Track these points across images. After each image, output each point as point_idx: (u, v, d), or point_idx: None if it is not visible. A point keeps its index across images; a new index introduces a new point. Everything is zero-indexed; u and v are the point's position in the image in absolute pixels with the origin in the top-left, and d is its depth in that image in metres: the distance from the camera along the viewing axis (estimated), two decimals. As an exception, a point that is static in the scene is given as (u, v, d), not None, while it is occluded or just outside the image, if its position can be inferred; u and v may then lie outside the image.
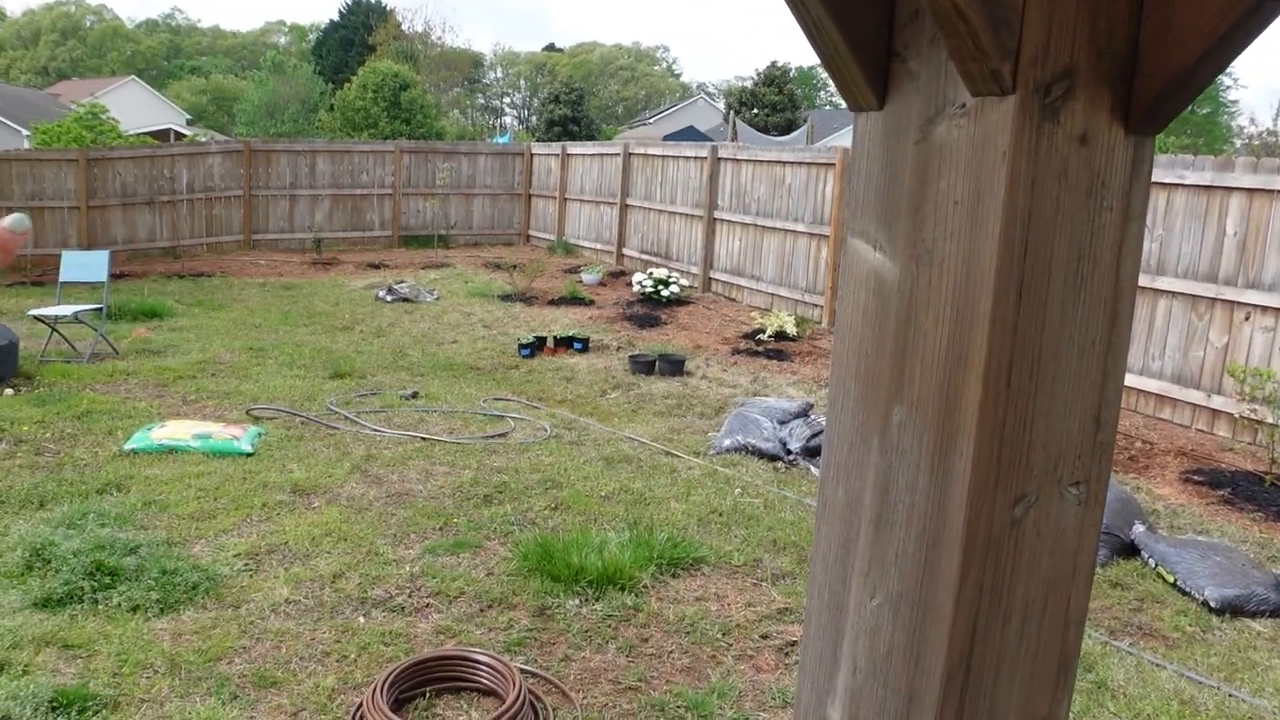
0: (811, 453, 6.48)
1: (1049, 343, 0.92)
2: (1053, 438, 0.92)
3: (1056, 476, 0.93)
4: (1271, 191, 7.43)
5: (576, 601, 4.37)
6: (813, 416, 6.87)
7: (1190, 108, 52.34)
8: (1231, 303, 7.62)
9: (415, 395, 7.92)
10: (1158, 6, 0.94)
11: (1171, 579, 4.88)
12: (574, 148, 18.37)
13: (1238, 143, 51.46)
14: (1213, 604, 4.62)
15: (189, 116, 51.78)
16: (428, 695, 3.65)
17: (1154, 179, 8.09)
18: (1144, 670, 4.05)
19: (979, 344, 0.89)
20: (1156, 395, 8.09)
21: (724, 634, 4.17)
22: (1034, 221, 0.94)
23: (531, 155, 19.68)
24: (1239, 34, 0.91)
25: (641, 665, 3.90)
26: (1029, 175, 0.95)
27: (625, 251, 16.12)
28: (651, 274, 12.85)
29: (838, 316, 1.05)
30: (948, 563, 0.88)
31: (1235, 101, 65.39)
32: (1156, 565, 5.01)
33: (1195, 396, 7.78)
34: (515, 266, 14.87)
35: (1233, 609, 4.60)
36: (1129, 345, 0.95)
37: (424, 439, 6.72)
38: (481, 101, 74.10)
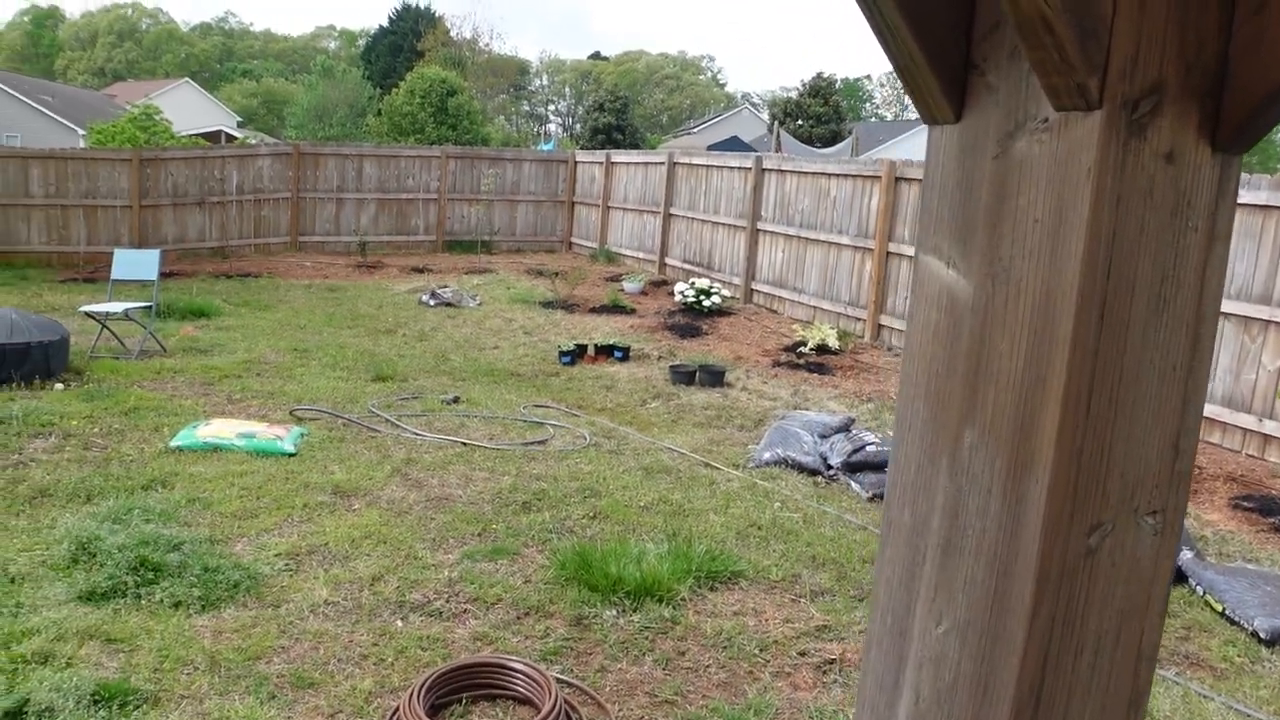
0: (853, 468, 6.41)
1: (1130, 367, 0.89)
2: (1130, 465, 0.89)
3: (1133, 505, 0.89)
4: (1331, 213, 7.26)
5: (614, 612, 4.35)
6: (854, 431, 6.80)
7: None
8: (1287, 326, 7.44)
9: (456, 400, 7.95)
10: (1249, 18, 0.91)
11: (1220, 607, 4.76)
12: (619, 156, 18.42)
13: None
14: (1263, 634, 4.50)
15: (240, 119, 52.64)
16: (464, 701, 3.65)
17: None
18: (1191, 701, 3.95)
19: (1058, 367, 0.86)
20: (1206, 418, 7.92)
21: (761, 650, 4.13)
22: (1118, 241, 0.91)
23: (576, 163, 19.76)
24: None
25: (678, 679, 3.87)
26: (1114, 193, 0.92)
27: (667, 261, 16.12)
28: (693, 284, 12.83)
29: (906, 335, 1.02)
30: (1020, 592, 0.85)
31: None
32: (1204, 593, 4.90)
33: (1246, 421, 7.61)
34: (557, 273, 14.92)
35: (1286, 641, 4.48)
36: (1210, 371, 0.92)
37: (464, 444, 6.74)
38: (526, 108, 74.57)
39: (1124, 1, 0.83)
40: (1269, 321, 7.55)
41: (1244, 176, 8.11)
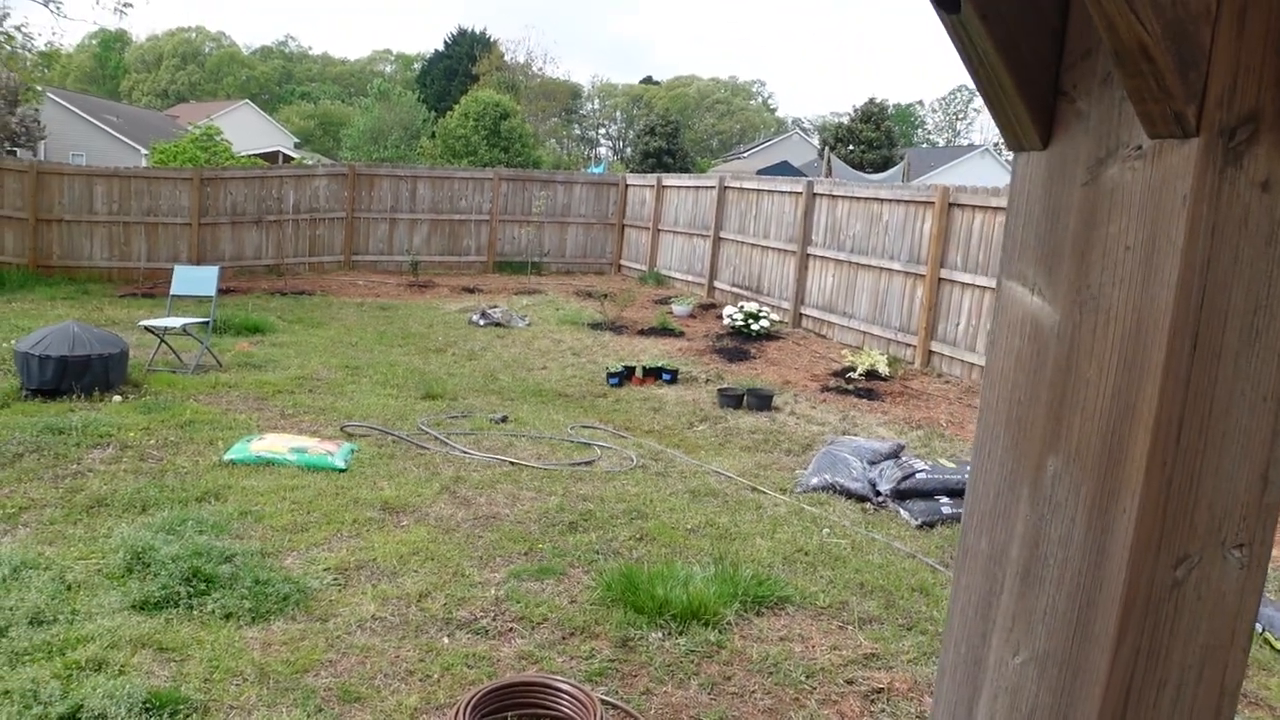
0: (902, 495, 6.34)
1: (1221, 397, 0.87)
2: (1219, 497, 0.87)
3: (1220, 538, 0.88)
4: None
5: (659, 634, 4.33)
6: (904, 458, 6.73)
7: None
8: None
9: (505, 419, 8.00)
10: (1347, 48, 0.89)
11: (1279, 646, 4.64)
12: (669, 179, 18.50)
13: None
14: (1331, 679, 4.37)
15: (297, 140, 53.71)
16: (509, 720, 3.64)
17: None
18: (1256, 745, 3.84)
19: (1149, 396, 0.85)
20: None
21: (808, 676, 4.09)
22: (1212, 270, 0.89)
23: (626, 186, 19.87)
24: None
25: (723, 704, 3.84)
26: (1209, 221, 0.90)
27: (716, 284, 16.12)
28: (742, 307, 12.81)
29: (987, 361, 1.01)
30: (1103, 623, 0.84)
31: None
32: (1264, 630, 4.77)
33: (1312, 458, 7.43)
34: (606, 295, 14.98)
35: (1353, 686, 4.34)
36: (1303, 403, 0.90)
37: (512, 463, 6.78)
38: (578, 132, 75.26)
39: (1223, 30, 0.83)
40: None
41: None
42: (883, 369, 10.51)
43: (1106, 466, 0.85)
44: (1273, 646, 4.69)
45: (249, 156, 27.87)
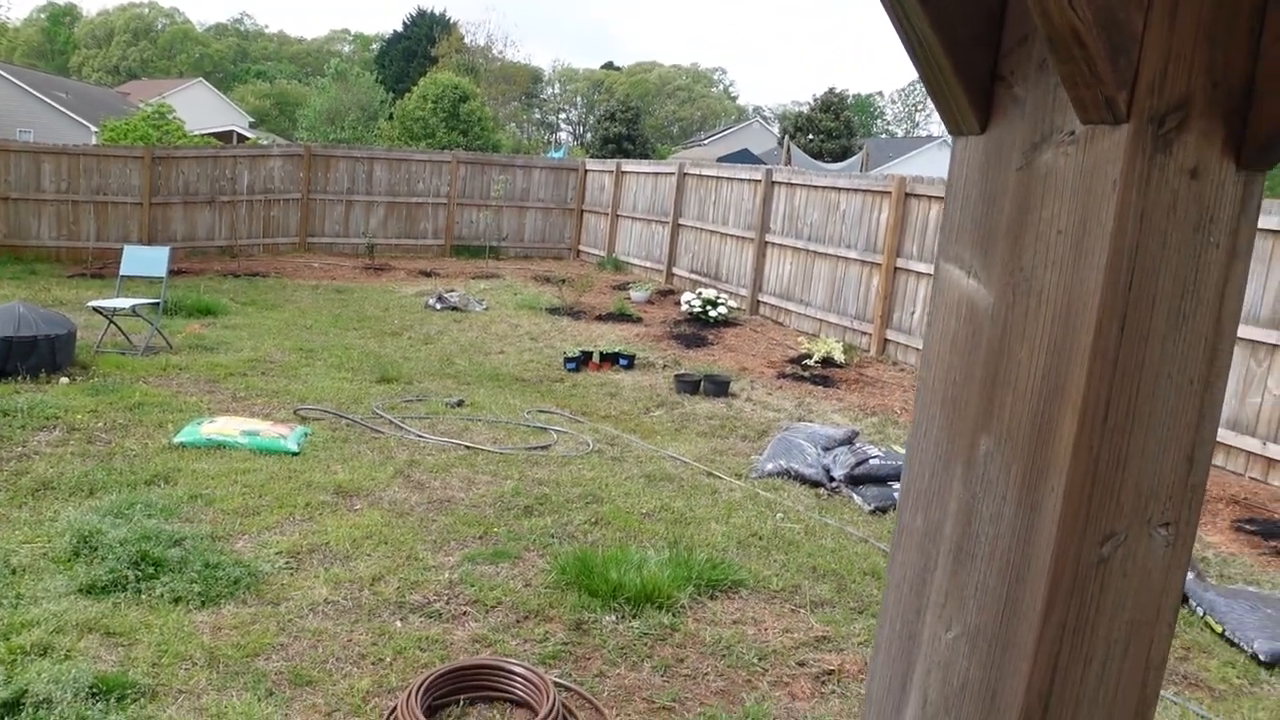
0: (856, 481, 6.41)
1: (1148, 379, 0.90)
2: (1145, 476, 0.89)
3: (1147, 516, 0.90)
4: (1340, 240, 7.26)
5: (613, 618, 4.35)
6: (858, 444, 6.80)
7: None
8: (1294, 352, 7.44)
9: (461, 403, 7.96)
10: (1276, 41, 0.91)
11: (1220, 629, 4.75)
12: (629, 165, 18.46)
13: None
14: (1262, 657, 4.49)
15: (252, 119, 52.80)
16: (461, 703, 3.65)
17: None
18: (1192, 723, 3.94)
19: (1077, 377, 0.87)
20: (1212, 443, 7.91)
21: (760, 659, 4.13)
22: (1140, 254, 0.91)
23: (586, 171, 19.80)
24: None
25: (676, 685, 3.87)
26: (1138, 207, 0.92)
27: (675, 270, 16.13)
28: (700, 294, 12.85)
29: (924, 343, 1.02)
30: (1031, 599, 0.86)
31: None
32: (1205, 614, 4.89)
33: (1251, 444, 7.60)
34: (564, 281, 14.94)
35: (1285, 665, 4.47)
36: (1226, 385, 0.92)
37: (468, 447, 6.75)
38: (538, 116, 74.79)
39: (1155, 19, 0.84)
40: (1276, 346, 7.55)
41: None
42: (839, 356, 10.60)
43: (1036, 446, 0.87)
44: (1213, 630, 4.81)
45: (202, 135, 27.39)
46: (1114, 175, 0.86)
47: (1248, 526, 6.40)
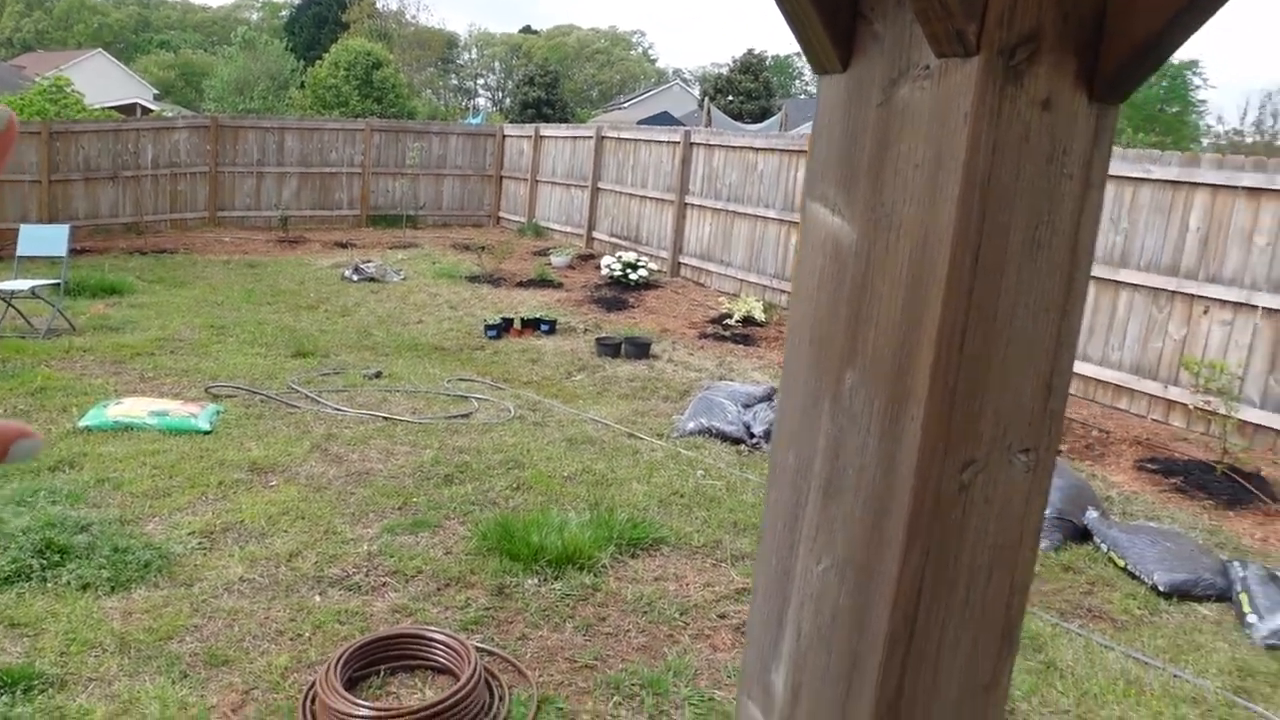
0: (775, 438, 6.49)
1: (1004, 308, 0.91)
2: (1004, 404, 0.91)
3: (1006, 443, 0.92)
4: (1234, 188, 7.52)
5: (535, 581, 4.36)
6: (777, 401, 6.87)
7: (1160, 100, 52.90)
8: (1191, 296, 7.71)
9: (379, 375, 7.85)
10: (1122, -29, 0.93)
11: (1122, 563, 4.95)
12: (547, 130, 18.27)
13: (1205, 141, 52.16)
14: (1161, 588, 4.69)
15: (156, 91, 50.91)
16: (382, 674, 3.62)
17: (1120, 173, 8.16)
18: (1092, 651, 4.10)
19: (933, 306, 0.88)
20: (1115, 385, 8.19)
21: (681, 613, 4.17)
22: (993, 186, 0.92)
23: (504, 136, 19.55)
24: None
25: (598, 644, 3.89)
26: (990, 139, 0.93)
27: (595, 235, 16.07)
28: (620, 257, 12.82)
29: (794, 282, 1.03)
30: (894, 528, 0.87)
31: (1204, 101, 66.28)
32: (1108, 550, 5.08)
33: (1152, 387, 7.88)
34: (484, 248, 14.78)
35: (1180, 593, 4.68)
36: (1083, 313, 0.94)
37: (386, 419, 6.66)
38: (455, 82, 73.54)
39: (1002, -51, 0.85)
40: (1175, 293, 7.81)
41: (1156, 153, 8.33)
42: (759, 315, 10.69)
43: (897, 377, 0.87)
44: (1116, 565, 5.00)
45: (103, 109, 26.32)
46: (965, 108, 0.87)
47: (1149, 466, 6.65)
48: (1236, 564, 4.87)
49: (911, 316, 0.90)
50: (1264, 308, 7.27)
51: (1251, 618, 4.48)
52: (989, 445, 0.92)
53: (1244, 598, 4.62)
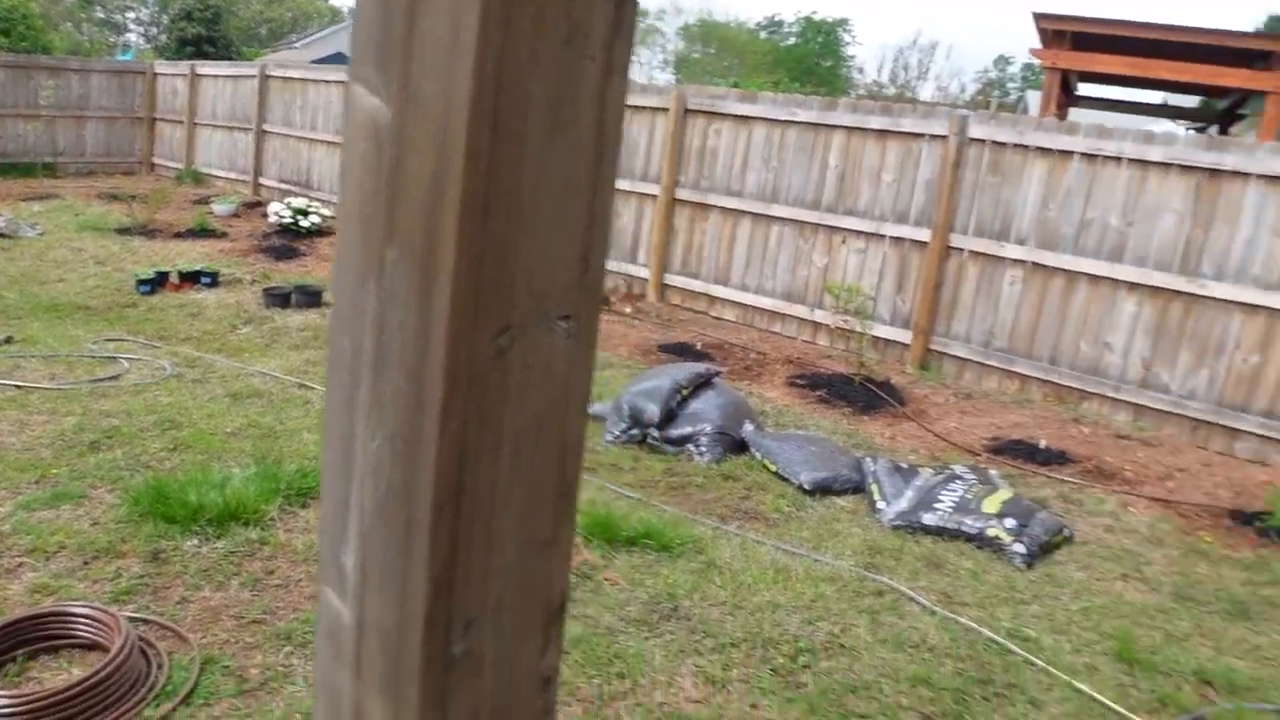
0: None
1: (529, 181, 0.95)
2: (538, 275, 0.95)
3: (544, 311, 0.96)
4: (865, 130, 8.31)
5: (195, 541, 4.12)
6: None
7: (815, 55, 57.18)
8: (831, 228, 8.49)
9: (9, 340, 7.01)
10: None
11: (774, 469, 5.43)
12: (204, 68, 16.88)
13: (853, 94, 57.12)
14: (806, 487, 5.20)
15: None
16: (19, 659, 3.31)
17: (770, 116, 8.77)
18: (748, 548, 4.49)
19: (455, 178, 0.91)
20: (770, 311, 8.88)
21: (358, 558, 4.10)
22: (507, 61, 0.95)
23: (155, 75, 17.85)
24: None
25: (267, 598, 3.76)
26: (502, 14, 0.96)
27: (262, 181, 15.13)
28: (290, 204, 12.17)
29: (341, 166, 1.03)
30: (432, 394, 0.90)
31: (854, 56, 72.40)
32: (763, 458, 5.55)
33: (801, 311, 8.63)
34: (135, 197, 13.49)
35: (823, 489, 5.21)
36: (614, 193, 1.01)
37: (18, 387, 5.98)
38: (101, 15, 66.04)
39: None
40: (818, 225, 8.56)
41: (801, 98, 9.02)
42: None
43: (429, 251, 0.89)
44: (769, 470, 5.47)
45: None
46: (480, -16, 0.89)
47: (799, 381, 7.30)
48: (868, 459, 5.49)
49: (437, 190, 0.93)
50: (890, 236, 8.14)
51: (880, 504, 5.08)
52: (524, 311, 0.96)
53: (875, 488, 5.22)
